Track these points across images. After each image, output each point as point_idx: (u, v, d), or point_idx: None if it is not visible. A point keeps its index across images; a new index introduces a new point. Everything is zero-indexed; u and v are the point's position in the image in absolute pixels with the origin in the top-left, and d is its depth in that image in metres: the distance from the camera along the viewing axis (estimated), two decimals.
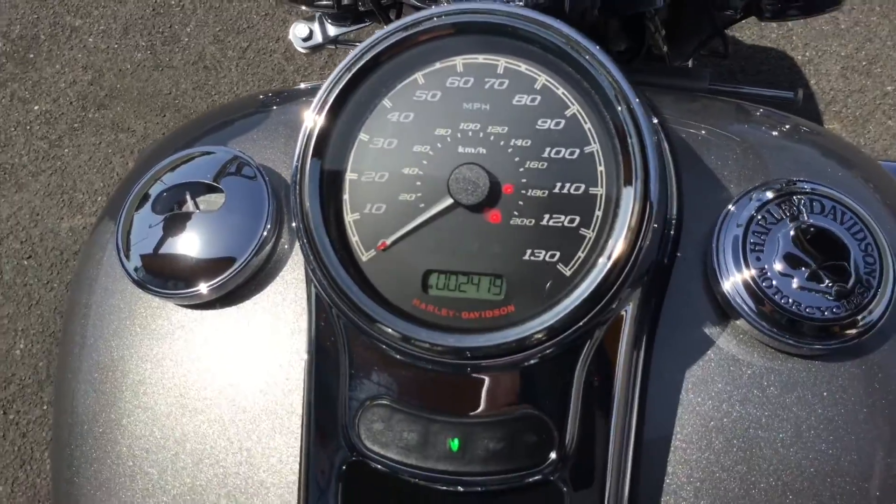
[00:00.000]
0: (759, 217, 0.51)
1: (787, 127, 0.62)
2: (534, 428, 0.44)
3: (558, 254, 0.44)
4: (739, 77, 2.37)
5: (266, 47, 2.50)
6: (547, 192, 0.45)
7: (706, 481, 0.48)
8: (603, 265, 0.43)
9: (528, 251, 0.45)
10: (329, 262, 0.44)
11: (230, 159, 0.64)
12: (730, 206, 0.52)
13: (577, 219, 0.44)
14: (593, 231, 0.44)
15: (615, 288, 0.43)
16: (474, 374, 0.44)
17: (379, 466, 0.45)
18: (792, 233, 0.49)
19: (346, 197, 0.46)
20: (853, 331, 0.49)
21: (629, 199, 0.43)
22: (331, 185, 0.46)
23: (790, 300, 0.48)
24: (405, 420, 0.45)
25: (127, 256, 0.60)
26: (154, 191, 0.61)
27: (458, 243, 0.45)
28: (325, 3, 1.10)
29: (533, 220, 0.45)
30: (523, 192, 0.45)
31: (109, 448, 0.55)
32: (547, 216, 0.45)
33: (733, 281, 0.50)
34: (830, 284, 0.48)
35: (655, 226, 0.46)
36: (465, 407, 0.44)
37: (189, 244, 0.60)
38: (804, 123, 0.63)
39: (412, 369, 0.45)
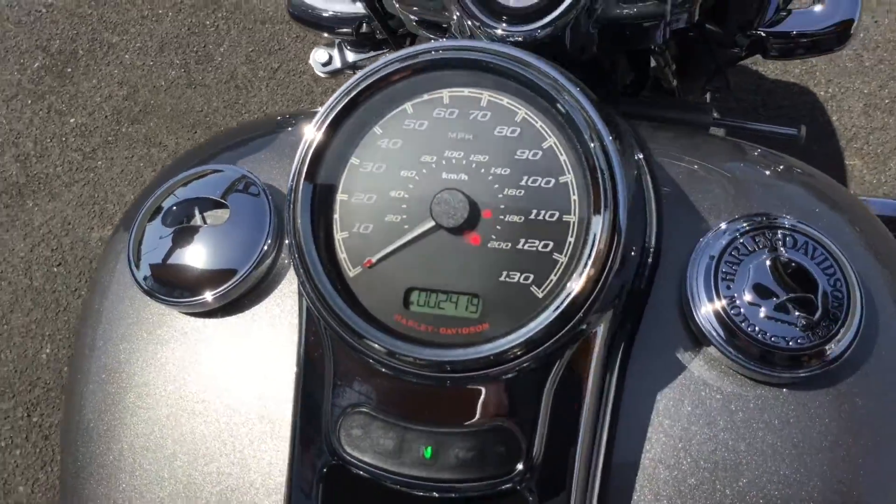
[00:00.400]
0: (732, 248, 0.53)
1: (775, 165, 0.64)
2: (503, 440, 0.47)
3: (532, 276, 0.47)
4: (761, 111, 2.38)
5: (296, 69, 2.56)
6: (523, 217, 0.48)
7: (673, 499, 0.50)
8: (571, 289, 0.45)
9: (504, 273, 0.48)
10: (317, 276, 0.48)
11: (238, 178, 0.67)
12: (706, 236, 0.54)
13: (551, 244, 0.47)
14: (565, 256, 0.47)
15: (583, 310, 0.46)
16: (448, 387, 0.47)
17: (357, 470, 0.48)
18: (769, 263, 0.51)
19: (336, 216, 0.49)
20: (819, 362, 0.51)
21: (598, 227, 0.45)
22: (323, 205, 0.49)
23: (757, 329, 0.51)
24: (382, 427, 0.48)
25: (137, 265, 0.63)
26: (166, 204, 0.65)
27: (439, 263, 0.48)
28: (344, 30, 1.14)
29: (510, 244, 0.48)
30: (501, 217, 0.48)
31: (112, 445, 0.59)
32: (523, 241, 0.48)
33: (705, 309, 0.52)
34: (797, 316, 0.50)
35: (629, 253, 0.48)
36: (439, 417, 0.47)
37: (195, 256, 0.64)
38: (794, 163, 0.65)
39: (391, 380, 0.48)
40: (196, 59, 2.61)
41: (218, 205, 0.66)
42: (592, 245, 0.46)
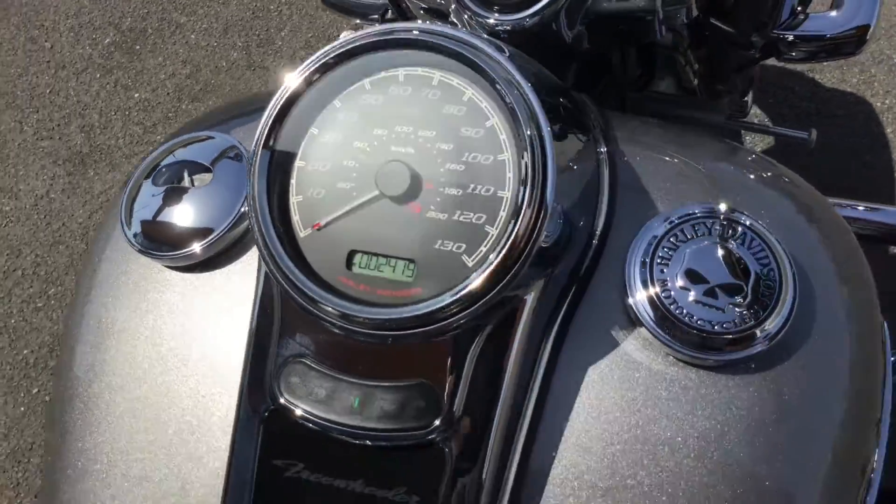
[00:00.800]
0: (671, 234, 0.55)
1: (748, 162, 0.65)
2: (424, 396, 0.50)
3: (464, 246, 0.50)
4: (814, 119, 2.34)
5: None
6: (461, 191, 0.51)
7: (593, 470, 0.52)
8: (493, 260, 0.48)
9: (439, 241, 0.51)
10: (268, 235, 0.51)
11: (228, 146, 0.72)
12: (650, 223, 0.56)
13: (484, 217, 0.50)
14: (496, 229, 0.50)
15: (505, 280, 0.48)
16: (378, 343, 0.50)
17: (292, 416, 0.52)
18: (703, 249, 0.53)
19: (293, 181, 0.53)
20: (745, 346, 0.52)
21: (526, 204, 0.48)
22: (281, 170, 0.53)
23: (685, 312, 0.53)
24: (317, 377, 0.51)
25: (129, 221, 0.68)
26: (160, 165, 0.69)
27: (381, 229, 0.51)
28: (372, 17, 1.19)
29: (447, 215, 0.51)
30: (441, 189, 0.51)
31: (92, 384, 0.64)
32: (459, 212, 0.50)
33: (639, 291, 0.54)
34: (725, 302, 0.52)
35: (557, 232, 0.51)
36: (367, 371, 0.51)
37: (180, 214, 0.68)
38: (770, 165, 0.66)
39: (328, 334, 0.51)
40: (258, 42, 2.69)
41: (207, 169, 0.71)
42: (517, 221, 0.48)
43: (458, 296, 0.48)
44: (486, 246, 0.50)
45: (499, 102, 0.50)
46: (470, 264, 0.50)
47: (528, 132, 0.48)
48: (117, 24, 2.79)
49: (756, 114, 2.29)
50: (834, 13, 0.99)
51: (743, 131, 1.35)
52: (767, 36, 0.97)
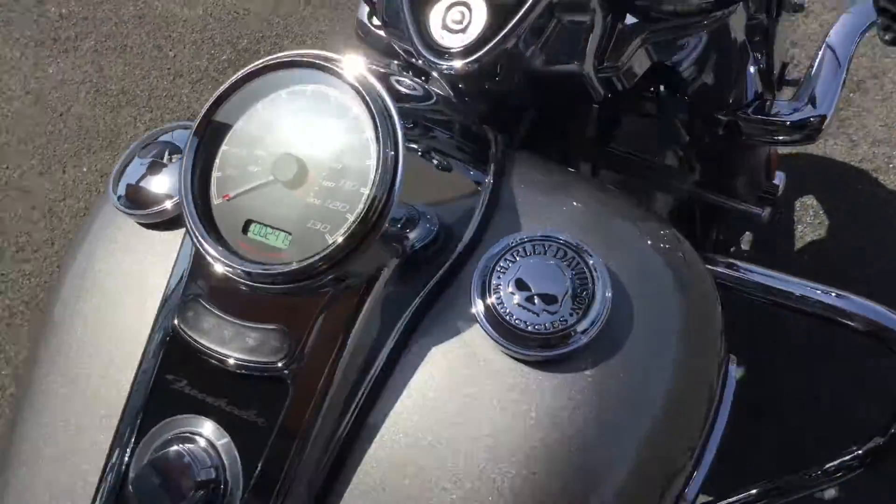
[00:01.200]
0: (514, 250, 0.65)
1: (616, 203, 0.74)
2: (279, 338, 0.62)
3: (329, 227, 0.62)
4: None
5: None
6: (334, 184, 0.63)
7: (414, 443, 0.63)
8: (336, 240, 0.60)
9: (311, 221, 0.63)
10: (186, 200, 0.65)
11: None
12: (502, 240, 0.67)
13: (347, 206, 0.62)
14: (354, 217, 0.61)
15: (345, 258, 0.60)
16: (252, 293, 0.63)
17: (184, 341, 0.65)
18: (528, 264, 0.63)
19: (217, 161, 0.66)
20: (552, 346, 0.62)
21: (370, 204, 0.60)
22: (210, 152, 0.67)
23: (507, 312, 0.63)
24: (206, 313, 0.64)
25: (116, 186, 0.83)
26: (150, 144, 0.84)
27: (272, 206, 0.63)
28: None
29: (320, 201, 0.63)
30: (320, 181, 0.63)
31: (61, 326, 0.77)
32: (329, 200, 0.62)
33: (479, 294, 0.65)
34: (540, 307, 0.62)
35: (399, 232, 0.62)
36: (242, 313, 0.63)
37: (156, 183, 0.83)
38: (636, 208, 0.75)
39: (219, 281, 0.64)
40: None
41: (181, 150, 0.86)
42: (367, 214, 0.60)
43: (309, 262, 0.61)
44: (344, 229, 0.62)
45: (373, 119, 0.63)
46: (329, 241, 0.62)
47: (385, 148, 0.61)
48: (234, 44, 3.06)
49: None
50: (796, 101, 1.06)
51: None
52: (726, 116, 1.06)
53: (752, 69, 1.03)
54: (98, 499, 0.66)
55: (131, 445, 0.65)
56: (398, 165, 0.60)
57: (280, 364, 0.62)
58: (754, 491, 1.43)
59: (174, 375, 0.66)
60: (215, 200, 0.66)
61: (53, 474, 0.71)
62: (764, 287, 0.93)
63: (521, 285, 0.63)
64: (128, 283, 0.76)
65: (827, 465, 1.34)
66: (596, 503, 0.63)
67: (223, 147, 0.67)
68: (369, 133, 0.62)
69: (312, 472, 0.63)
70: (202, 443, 0.63)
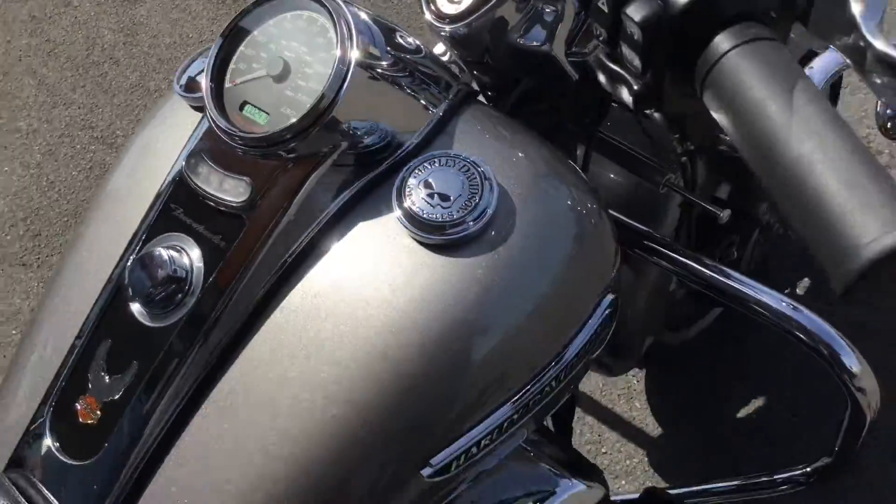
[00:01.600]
0: (429, 160, 0.80)
1: (537, 149, 0.87)
2: (246, 186, 0.79)
3: (294, 112, 0.77)
4: None
5: None
6: (305, 83, 0.78)
7: (327, 293, 0.77)
8: (291, 116, 0.76)
9: (284, 107, 0.78)
10: (207, 82, 0.85)
11: None
12: (432, 152, 0.83)
13: (309, 100, 0.76)
14: (312, 104, 0.75)
15: (298, 134, 0.75)
16: (236, 152, 0.80)
17: (186, 180, 0.86)
18: (436, 169, 0.80)
19: (234, 57, 0.87)
20: (453, 232, 0.75)
21: (320, 100, 0.76)
22: (231, 49, 0.87)
23: (414, 202, 0.80)
24: (204, 165, 0.84)
25: (181, 77, 1.05)
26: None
27: (262, 93, 0.82)
28: None
29: (293, 93, 0.77)
30: (297, 78, 0.78)
31: (100, 191, 0.99)
32: (300, 93, 0.76)
33: (399, 190, 0.80)
34: (437, 203, 0.79)
35: (337, 126, 0.77)
36: (227, 166, 0.82)
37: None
38: (551, 153, 0.88)
39: (216, 142, 0.83)
40: None
41: None
42: (319, 103, 0.79)
43: (273, 133, 0.80)
44: (301, 115, 0.80)
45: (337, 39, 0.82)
46: (290, 122, 0.81)
47: (339, 62, 0.76)
48: None
49: None
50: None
51: None
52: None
53: None
54: (110, 282, 0.86)
55: (136, 250, 0.87)
56: (347, 74, 0.79)
57: (242, 205, 0.83)
58: (703, 487, 1.53)
59: (175, 205, 0.84)
60: (227, 84, 0.88)
61: (96, 272, 0.90)
62: (717, 285, 1.04)
63: (427, 185, 0.81)
64: (170, 148, 0.98)
65: (775, 476, 1.43)
66: (458, 368, 0.78)
67: (240, 47, 0.88)
68: (336, 51, 0.82)
69: (251, 290, 0.79)
70: (181, 252, 0.81)
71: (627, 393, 1.95)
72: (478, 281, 0.77)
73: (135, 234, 0.86)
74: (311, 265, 0.80)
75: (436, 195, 0.77)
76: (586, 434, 1.89)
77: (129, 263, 0.83)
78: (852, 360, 1.09)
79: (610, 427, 1.91)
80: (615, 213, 1.11)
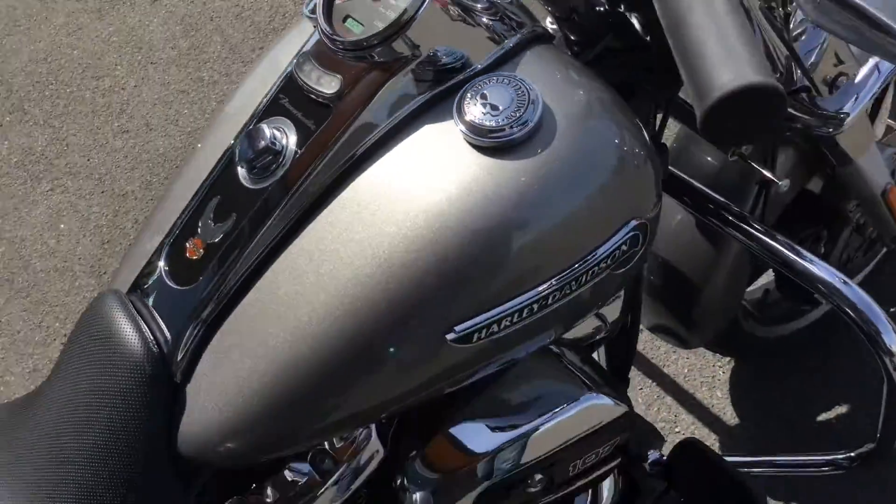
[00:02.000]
0: (489, 78, 0.93)
1: (592, 79, 0.99)
2: (335, 82, 0.97)
3: (381, 25, 0.90)
4: None
5: None
6: (396, 2, 0.96)
7: (385, 181, 0.92)
8: (383, 28, 0.91)
9: (375, 20, 0.92)
10: (319, 5, 1.03)
11: None
12: (489, 75, 0.97)
13: (393, 16, 0.93)
14: (394, 18, 0.91)
15: (381, 41, 0.90)
16: (335, 54, 0.96)
17: (293, 75, 1.01)
18: (489, 86, 0.94)
19: None
20: (505, 135, 0.87)
21: (401, 16, 0.90)
22: None
23: (469, 109, 0.93)
24: (308, 63, 1.02)
25: (308, 3, 1.23)
26: None
27: (362, 9, 0.92)
28: None
29: (384, 10, 0.90)
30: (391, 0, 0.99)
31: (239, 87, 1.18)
32: (389, 10, 0.90)
33: (458, 103, 0.90)
34: (489, 110, 0.93)
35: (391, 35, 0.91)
36: (324, 64, 0.99)
37: None
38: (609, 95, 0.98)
39: (320, 46, 0.99)
40: None
41: None
42: (394, 20, 0.91)
43: (362, 39, 0.97)
44: (385, 26, 0.92)
45: None
46: (377, 31, 0.95)
47: None
48: None
49: None
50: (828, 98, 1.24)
51: None
52: None
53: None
54: (227, 150, 1.03)
55: (250, 127, 1.01)
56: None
57: (332, 96, 0.97)
58: (748, 459, 1.59)
59: (283, 95, 1.01)
60: (337, 2, 1.06)
61: (221, 142, 1.06)
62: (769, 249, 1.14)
63: (483, 97, 0.94)
64: (289, 56, 1.12)
65: (818, 457, 1.48)
66: (487, 251, 0.89)
67: None
68: None
69: (331, 165, 0.94)
70: (281, 131, 0.97)
71: (711, 382, 2.00)
72: (516, 181, 0.90)
73: (251, 116, 1.05)
74: (380, 154, 0.95)
75: (488, 105, 0.92)
76: (663, 413, 1.96)
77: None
78: (892, 339, 1.15)
79: (688, 410, 1.96)
80: (678, 172, 1.22)
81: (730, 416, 1.91)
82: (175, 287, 0.99)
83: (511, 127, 0.89)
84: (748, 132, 0.79)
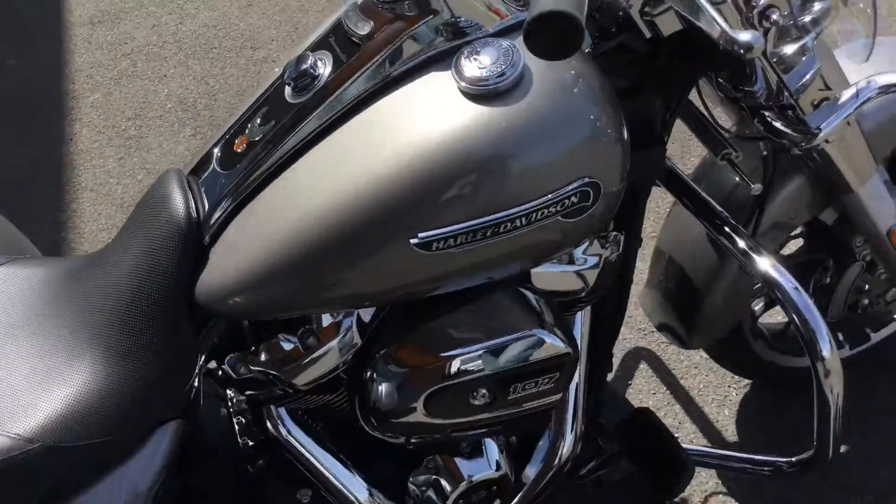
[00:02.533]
0: (484, 39, 1.14)
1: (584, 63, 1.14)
2: (369, 25, 1.19)
3: None
4: None
5: None
6: None
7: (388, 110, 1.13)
8: None
9: None
10: None
11: None
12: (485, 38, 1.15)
13: None
14: None
15: None
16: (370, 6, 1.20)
17: (341, 24, 1.25)
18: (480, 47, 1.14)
19: None
20: (475, 84, 1.06)
21: None
22: None
23: (463, 62, 1.15)
24: (354, 12, 1.22)
25: None
26: None
27: None
28: None
29: None
30: None
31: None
32: None
33: (457, 58, 1.10)
34: (482, 64, 1.13)
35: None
36: (364, 12, 1.21)
37: None
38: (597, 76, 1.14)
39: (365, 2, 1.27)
40: None
41: None
42: None
43: None
44: None
45: None
46: None
47: None
48: None
49: None
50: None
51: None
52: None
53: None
54: (281, 73, 1.21)
55: (296, 55, 1.23)
56: None
57: (363, 37, 1.17)
58: (701, 448, 1.73)
59: (331, 34, 1.23)
60: None
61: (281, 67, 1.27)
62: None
63: (476, 53, 1.10)
64: None
65: (761, 457, 1.60)
66: (455, 174, 1.07)
67: None
68: None
69: (351, 92, 1.14)
70: (321, 60, 1.19)
71: (722, 400, 2.11)
72: (490, 122, 1.09)
73: (306, 48, 1.29)
74: (391, 89, 1.16)
75: (478, 60, 1.14)
76: (668, 418, 2.08)
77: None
78: (827, 348, 1.30)
79: (692, 420, 2.08)
80: (679, 172, 1.41)
81: (730, 434, 2.01)
82: (220, 171, 1.23)
83: (493, 78, 1.09)
84: (559, 48, 0.97)
